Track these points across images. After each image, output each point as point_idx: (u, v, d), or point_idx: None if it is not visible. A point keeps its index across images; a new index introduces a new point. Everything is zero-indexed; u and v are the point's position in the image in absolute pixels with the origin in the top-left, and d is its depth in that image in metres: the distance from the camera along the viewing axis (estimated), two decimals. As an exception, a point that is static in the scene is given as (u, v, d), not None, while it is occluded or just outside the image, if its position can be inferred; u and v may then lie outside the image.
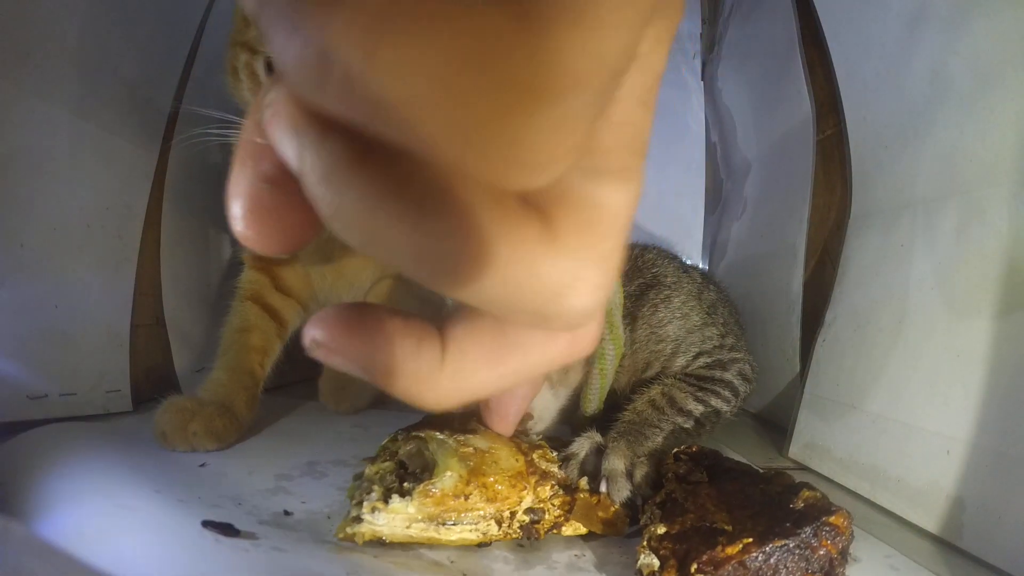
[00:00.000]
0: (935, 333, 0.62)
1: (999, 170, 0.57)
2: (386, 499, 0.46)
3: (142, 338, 0.82)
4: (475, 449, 0.50)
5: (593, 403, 0.71)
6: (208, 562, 0.41)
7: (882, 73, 0.74)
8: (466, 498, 0.47)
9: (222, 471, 0.62)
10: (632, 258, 0.78)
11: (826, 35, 0.83)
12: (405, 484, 0.48)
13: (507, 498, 0.49)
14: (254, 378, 0.77)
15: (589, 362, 0.70)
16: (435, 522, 0.47)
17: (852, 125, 0.80)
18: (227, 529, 0.46)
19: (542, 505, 0.51)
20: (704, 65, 1.37)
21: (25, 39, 0.63)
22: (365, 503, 0.47)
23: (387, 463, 0.51)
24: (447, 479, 0.47)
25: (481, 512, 0.48)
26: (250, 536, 0.46)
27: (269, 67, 0.74)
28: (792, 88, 0.96)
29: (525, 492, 0.50)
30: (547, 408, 0.67)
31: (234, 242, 0.97)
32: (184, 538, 0.44)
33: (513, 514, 0.49)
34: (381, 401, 0.95)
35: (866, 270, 0.76)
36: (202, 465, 0.63)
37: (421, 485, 0.47)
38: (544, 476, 0.52)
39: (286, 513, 0.53)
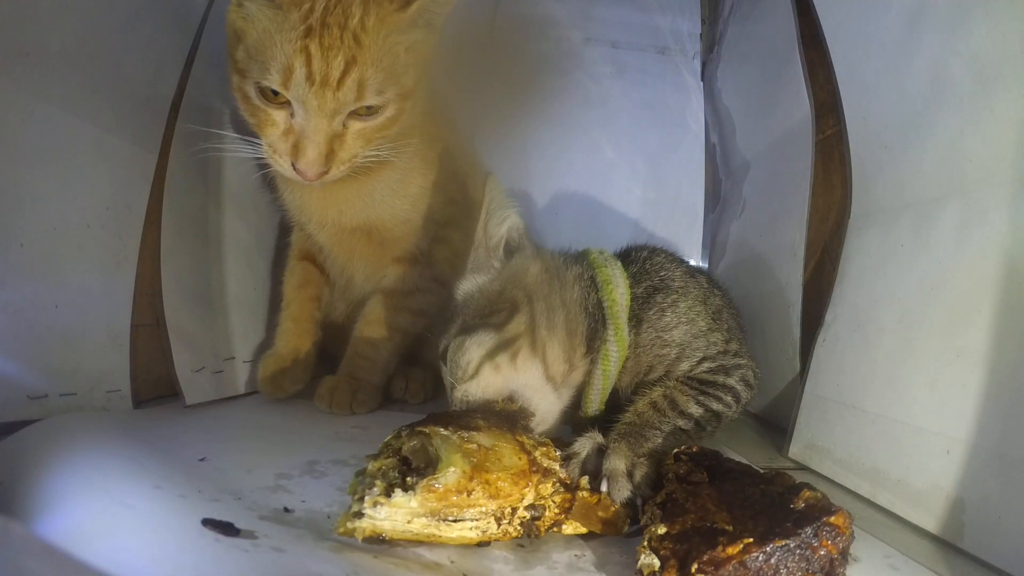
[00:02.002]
0: (935, 333, 0.62)
1: (999, 170, 0.57)
2: (388, 493, 0.47)
3: (142, 338, 0.82)
4: (479, 446, 0.50)
5: (594, 404, 0.71)
6: (208, 562, 0.41)
7: (882, 73, 0.74)
8: (469, 494, 0.47)
9: (222, 467, 0.62)
10: (640, 260, 0.78)
11: (826, 35, 0.83)
12: (408, 479, 0.48)
13: (509, 495, 0.49)
14: (315, 323, 0.98)
15: (592, 363, 0.70)
16: (436, 518, 0.47)
17: (852, 125, 0.80)
18: (227, 528, 0.45)
19: (543, 502, 0.51)
20: (704, 65, 1.37)
21: (25, 39, 0.63)
22: (367, 497, 0.47)
23: (390, 459, 0.52)
24: (450, 474, 0.47)
25: (483, 508, 0.48)
26: (250, 535, 0.46)
27: (261, 92, 0.74)
28: (791, 88, 0.96)
29: (527, 489, 0.50)
30: (550, 409, 0.67)
31: (282, 208, 1.02)
32: (184, 537, 0.44)
33: (514, 511, 0.49)
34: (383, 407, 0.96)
35: (866, 270, 0.76)
36: (202, 459, 0.63)
37: (424, 480, 0.47)
38: (546, 474, 0.52)
39: (286, 510, 0.54)
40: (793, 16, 0.96)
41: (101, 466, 0.53)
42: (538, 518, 0.50)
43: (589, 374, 0.70)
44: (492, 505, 0.48)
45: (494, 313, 0.67)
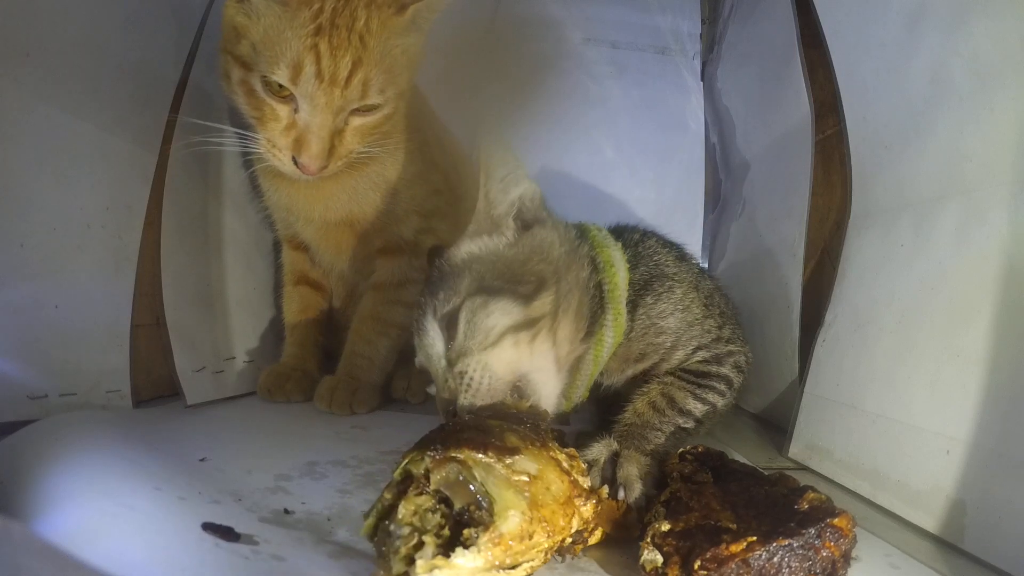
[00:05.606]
0: (935, 333, 0.62)
1: (999, 170, 0.57)
2: (445, 552, 0.39)
3: (142, 338, 0.82)
4: (529, 476, 0.43)
5: (579, 390, 0.69)
6: (207, 569, 0.41)
7: (882, 73, 0.74)
8: (530, 537, 0.40)
9: (222, 467, 0.62)
10: (634, 244, 0.76)
11: (826, 35, 0.83)
12: (466, 531, 0.40)
13: (563, 530, 0.44)
14: (318, 345, 1.02)
15: (586, 346, 0.67)
16: (495, 568, 0.40)
17: (852, 125, 0.80)
18: (227, 533, 0.45)
19: (586, 526, 0.48)
20: (704, 65, 1.37)
21: (25, 39, 0.63)
22: (419, 561, 0.38)
23: (423, 497, 0.42)
24: (512, 519, 0.40)
25: (540, 548, 0.42)
26: (249, 540, 0.46)
27: (266, 85, 0.75)
28: (791, 88, 0.96)
29: (574, 519, 0.45)
30: (553, 394, 0.64)
31: (272, 226, 1.04)
32: (184, 542, 0.44)
33: (562, 541, 0.45)
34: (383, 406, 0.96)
35: (866, 270, 0.76)
36: (202, 460, 0.63)
37: (487, 533, 0.39)
38: (587, 496, 0.47)
39: (286, 512, 0.53)
40: (793, 16, 0.97)
41: (101, 466, 0.52)
42: (578, 542, 0.48)
43: (579, 359, 0.67)
44: (548, 543, 0.42)
45: (520, 283, 0.62)
